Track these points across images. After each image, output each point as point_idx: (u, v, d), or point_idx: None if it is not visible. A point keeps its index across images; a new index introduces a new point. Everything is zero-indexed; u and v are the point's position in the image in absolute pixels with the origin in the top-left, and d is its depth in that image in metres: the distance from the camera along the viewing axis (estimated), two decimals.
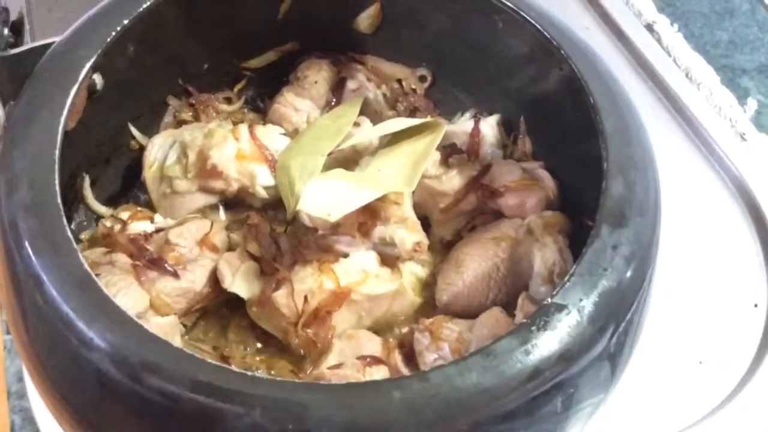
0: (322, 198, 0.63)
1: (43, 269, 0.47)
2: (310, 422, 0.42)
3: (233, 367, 0.61)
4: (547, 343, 0.46)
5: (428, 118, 0.74)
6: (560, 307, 0.48)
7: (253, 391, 0.43)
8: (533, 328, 0.46)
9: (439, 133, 0.69)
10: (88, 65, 0.58)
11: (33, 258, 0.48)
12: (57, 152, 0.52)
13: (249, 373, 0.44)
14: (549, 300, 0.48)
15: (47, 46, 0.61)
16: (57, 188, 0.50)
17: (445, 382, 0.44)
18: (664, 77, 1.00)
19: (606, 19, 1.07)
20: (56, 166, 0.51)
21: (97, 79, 0.64)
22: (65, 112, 0.55)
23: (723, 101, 0.98)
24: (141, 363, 0.44)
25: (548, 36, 0.64)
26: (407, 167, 0.67)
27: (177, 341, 0.61)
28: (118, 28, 0.60)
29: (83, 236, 0.70)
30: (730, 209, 0.86)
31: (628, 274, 0.51)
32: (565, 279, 0.49)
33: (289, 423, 0.42)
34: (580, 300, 0.48)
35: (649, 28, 1.08)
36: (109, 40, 0.60)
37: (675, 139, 0.95)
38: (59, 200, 0.50)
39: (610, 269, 0.50)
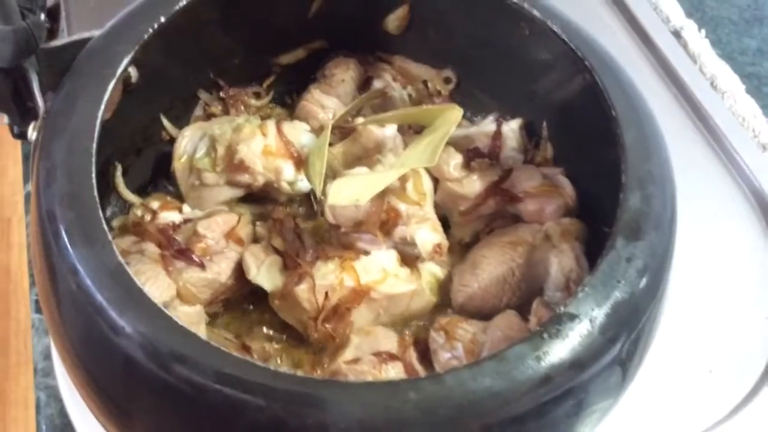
0: (348, 189, 0.65)
1: (79, 259, 0.49)
2: (328, 417, 0.44)
3: (256, 360, 0.64)
4: (558, 351, 0.48)
5: (444, 105, 0.74)
6: (572, 317, 0.49)
7: (275, 385, 0.45)
8: (545, 336, 0.48)
9: (455, 117, 0.69)
10: (125, 61, 0.60)
11: (69, 248, 0.50)
12: (94, 145, 0.54)
13: (272, 368, 0.46)
14: (562, 309, 0.50)
15: (86, 40, 0.63)
16: (94, 180, 0.52)
17: (458, 385, 0.45)
18: (689, 84, 1.00)
19: (633, 23, 1.07)
20: (93, 159, 0.53)
21: (133, 72, 0.66)
22: (102, 106, 0.56)
23: (747, 111, 0.98)
24: (169, 353, 0.46)
25: (573, 47, 0.65)
26: (428, 148, 0.68)
27: (202, 330, 0.64)
28: (155, 26, 0.62)
29: (115, 223, 0.72)
30: (748, 220, 0.87)
31: (641, 286, 0.52)
32: (578, 290, 0.51)
33: (308, 417, 0.44)
34: (592, 310, 0.50)
35: (677, 33, 1.08)
36: (146, 37, 0.61)
37: (696, 148, 0.95)
38: (95, 192, 0.52)
39: (623, 281, 0.52)
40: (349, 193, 0.63)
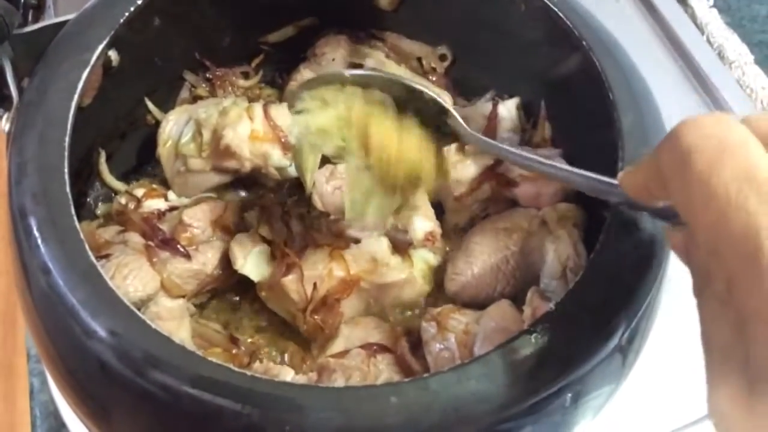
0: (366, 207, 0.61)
1: (50, 258, 0.47)
2: (307, 424, 0.42)
3: (243, 351, 0.63)
4: (548, 351, 0.46)
5: None
6: (564, 314, 0.47)
7: (252, 390, 0.43)
8: (534, 335, 0.46)
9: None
10: (100, 47, 0.57)
11: (41, 246, 0.48)
12: (67, 139, 0.52)
13: (249, 373, 0.44)
14: (552, 306, 0.48)
15: (61, 24, 0.60)
16: (66, 176, 0.50)
17: (443, 389, 0.44)
18: (695, 55, 0.97)
19: None
20: (66, 153, 0.51)
21: (113, 55, 0.64)
22: (76, 96, 0.54)
23: (755, 83, 0.95)
24: (143, 357, 0.44)
25: (569, 24, 0.62)
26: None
27: (186, 324, 0.62)
28: (132, 8, 0.60)
29: (99, 211, 0.71)
30: None
31: (637, 280, 0.50)
32: (571, 285, 0.49)
33: (286, 424, 0.42)
34: (585, 307, 0.48)
35: (683, 1, 1.04)
36: (122, 20, 0.59)
37: None
38: (68, 189, 0.50)
39: (617, 275, 0.49)
40: (370, 213, 0.60)
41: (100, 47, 0.57)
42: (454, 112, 0.59)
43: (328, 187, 0.62)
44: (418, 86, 0.59)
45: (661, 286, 0.55)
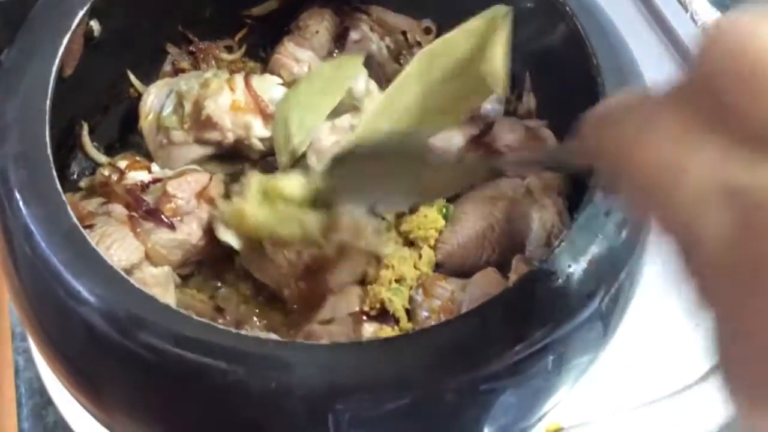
0: None
1: (32, 220, 0.47)
2: (293, 381, 0.42)
3: (228, 320, 0.63)
4: (532, 309, 0.46)
5: None
6: (548, 273, 0.47)
7: (237, 348, 0.43)
8: (519, 292, 0.46)
9: None
10: (81, 13, 0.57)
11: (23, 209, 0.48)
12: (48, 102, 0.52)
13: (234, 331, 0.44)
14: (536, 265, 0.48)
15: None
16: (47, 139, 0.50)
17: (429, 344, 0.44)
18: (679, 32, 0.98)
19: None
20: (47, 117, 0.51)
21: (95, 25, 0.63)
22: (57, 61, 0.54)
23: None
24: (127, 317, 0.44)
25: None
26: None
27: (171, 291, 0.62)
28: None
29: (83, 183, 0.70)
30: None
31: (620, 240, 0.50)
32: (555, 244, 0.49)
33: (272, 381, 0.42)
34: (569, 266, 0.48)
35: None
36: None
37: None
38: (49, 151, 0.50)
39: (601, 235, 0.50)
40: None
41: (81, 13, 0.57)
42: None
43: (327, 142, 0.61)
44: None
45: (643, 252, 0.55)
